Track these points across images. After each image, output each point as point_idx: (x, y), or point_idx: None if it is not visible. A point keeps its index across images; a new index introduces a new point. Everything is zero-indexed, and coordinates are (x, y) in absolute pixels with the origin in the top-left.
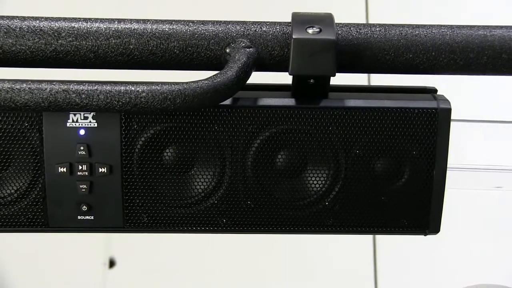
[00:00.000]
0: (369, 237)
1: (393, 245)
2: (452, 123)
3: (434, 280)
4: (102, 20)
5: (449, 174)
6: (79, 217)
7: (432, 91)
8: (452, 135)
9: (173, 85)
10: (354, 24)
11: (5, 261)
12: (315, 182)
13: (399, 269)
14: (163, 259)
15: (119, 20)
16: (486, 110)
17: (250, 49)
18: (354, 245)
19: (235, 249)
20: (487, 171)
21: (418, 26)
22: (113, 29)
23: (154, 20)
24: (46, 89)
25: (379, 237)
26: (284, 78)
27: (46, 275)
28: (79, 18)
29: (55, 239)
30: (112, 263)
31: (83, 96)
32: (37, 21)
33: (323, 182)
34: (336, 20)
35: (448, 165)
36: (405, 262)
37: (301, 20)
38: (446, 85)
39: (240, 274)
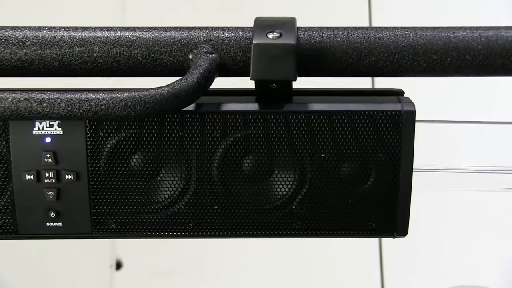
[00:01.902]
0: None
1: (399, 244)
2: (460, 125)
3: (442, 279)
4: (66, 29)
5: (457, 177)
6: (48, 224)
7: (398, 93)
8: (461, 137)
9: (133, 92)
10: (317, 27)
11: (10, 263)
12: (281, 186)
13: (405, 267)
14: (170, 260)
15: (83, 28)
16: (495, 111)
17: (213, 55)
18: (360, 244)
19: (241, 250)
20: (496, 173)
21: (381, 28)
22: (77, 37)
23: (117, 27)
24: (8, 98)
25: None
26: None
27: (53, 278)
28: (43, 27)
29: (61, 242)
30: (118, 265)
31: (45, 104)
32: (2, 31)
33: (289, 186)
34: (338, 23)
35: (456, 168)
36: (412, 260)
37: (262, 25)
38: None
39: (247, 275)
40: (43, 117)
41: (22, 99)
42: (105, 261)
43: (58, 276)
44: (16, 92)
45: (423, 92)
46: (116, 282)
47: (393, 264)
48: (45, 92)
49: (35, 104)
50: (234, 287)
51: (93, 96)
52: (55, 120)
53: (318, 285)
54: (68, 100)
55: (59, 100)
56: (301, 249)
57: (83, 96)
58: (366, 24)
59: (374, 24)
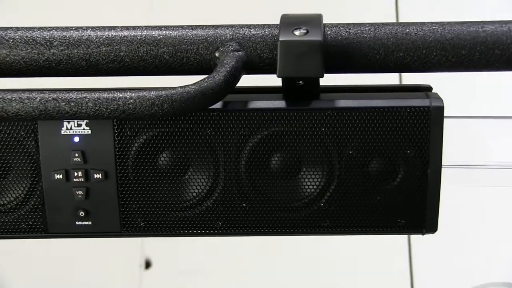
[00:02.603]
0: (403, 237)
1: (429, 243)
2: (490, 120)
3: (471, 276)
4: (93, 28)
5: (488, 173)
6: (77, 223)
7: (426, 89)
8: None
9: (160, 91)
10: (343, 24)
11: (41, 262)
12: (309, 183)
13: (435, 263)
14: (198, 259)
15: (110, 28)
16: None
17: (239, 52)
18: (389, 243)
19: (269, 248)
20: None
21: (408, 24)
22: (103, 36)
23: (144, 26)
24: (36, 98)
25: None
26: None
27: (83, 277)
28: (70, 27)
29: (91, 242)
30: (148, 264)
31: (72, 104)
32: (30, 31)
33: (317, 183)
34: (365, 20)
35: (487, 164)
36: (441, 256)
37: (288, 22)
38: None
39: (274, 273)
40: (71, 116)
41: (50, 99)
42: (134, 261)
43: (88, 276)
44: (44, 92)
45: (451, 87)
46: (145, 281)
47: (423, 260)
48: (73, 91)
49: (63, 103)
50: (263, 285)
51: (120, 95)
52: (83, 119)
53: (347, 283)
54: (96, 99)
55: (86, 99)
56: (329, 246)
57: (110, 95)
58: (393, 19)
59: (402, 19)
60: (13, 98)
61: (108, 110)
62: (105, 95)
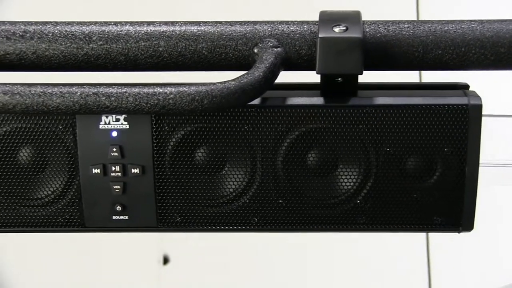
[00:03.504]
0: (422, 236)
1: (447, 242)
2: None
3: (490, 277)
4: (131, 23)
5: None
6: (114, 217)
7: (463, 87)
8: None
9: (200, 86)
10: (382, 21)
11: (62, 258)
12: (346, 180)
13: (453, 266)
14: (217, 255)
15: (148, 23)
16: None
17: (278, 48)
18: (407, 244)
19: (288, 245)
20: None
21: (447, 21)
22: (142, 31)
23: (182, 22)
24: (76, 92)
25: (432, 235)
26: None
27: (102, 273)
28: (109, 21)
29: (108, 237)
30: (166, 260)
31: (113, 98)
32: (69, 26)
33: (354, 180)
34: (385, 18)
35: (500, 162)
36: (460, 259)
37: (328, 18)
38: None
39: (291, 270)
40: (111, 111)
41: (91, 93)
42: (152, 257)
43: (106, 272)
44: (85, 86)
45: (487, 85)
46: (163, 277)
47: (441, 261)
48: (113, 86)
49: (104, 98)
50: (280, 281)
51: (161, 90)
52: (122, 114)
53: (366, 282)
54: (136, 94)
55: (127, 94)
56: (347, 244)
57: (150, 90)
58: (414, 16)
59: (422, 17)
60: (54, 92)
61: (148, 105)
62: (145, 90)
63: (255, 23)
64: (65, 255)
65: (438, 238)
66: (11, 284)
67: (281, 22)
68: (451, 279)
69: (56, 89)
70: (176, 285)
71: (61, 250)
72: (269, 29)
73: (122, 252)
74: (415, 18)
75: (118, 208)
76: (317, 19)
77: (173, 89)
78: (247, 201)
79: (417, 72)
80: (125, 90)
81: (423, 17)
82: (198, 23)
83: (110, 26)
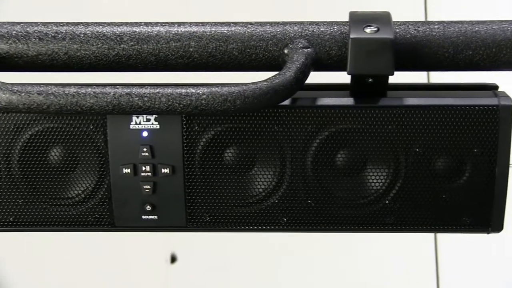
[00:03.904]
0: (430, 236)
1: (455, 243)
2: None
3: (499, 280)
4: (162, 24)
5: None
6: (143, 217)
7: (493, 87)
8: None
9: (233, 87)
10: (412, 22)
11: (70, 257)
12: (375, 180)
13: (461, 267)
14: (224, 254)
15: (179, 24)
16: None
17: (308, 49)
18: (415, 244)
19: (296, 244)
20: None
21: (477, 22)
22: (173, 32)
23: (212, 22)
24: (110, 93)
25: (440, 236)
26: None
27: (109, 271)
28: (140, 22)
29: (116, 236)
30: (173, 259)
31: (146, 99)
32: (100, 27)
33: (383, 181)
34: (394, 18)
35: None
36: (468, 260)
37: (358, 19)
38: None
39: (300, 269)
40: (143, 111)
41: (124, 93)
42: (160, 255)
43: (114, 271)
44: (117, 86)
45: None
46: (171, 276)
47: (449, 261)
48: (146, 86)
49: (137, 98)
50: (289, 281)
51: (193, 90)
52: (155, 114)
53: (373, 282)
54: (169, 94)
55: (159, 94)
56: (355, 244)
57: (183, 90)
58: (422, 17)
59: (430, 18)
60: (88, 93)
61: (181, 105)
62: (178, 90)
63: (285, 23)
64: (72, 254)
65: (447, 237)
66: (12, 284)
67: (311, 23)
68: (459, 279)
69: (89, 89)
70: (184, 284)
71: (69, 249)
72: (299, 30)
73: (129, 251)
74: (423, 18)
75: (148, 207)
76: (336, 19)
77: (206, 90)
78: (276, 201)
79: (425, 72)
80: (158, 90)
81: (430, 17)
82: (228, 24)
83: (141, 26)
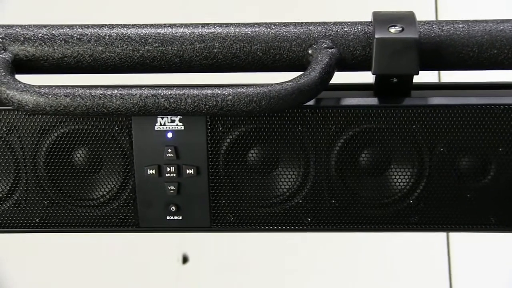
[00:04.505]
0: (442, 235)
1: (467, 241)
2: None
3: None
4: (186, 25)
5: None
6: (168, 218)
7: None
8: None
9: (258, 88)
10: (436, 21)
11: (81, 256)
12: (399, 180)
13: (474, 266)
14: (236, 254)
15: (203, 25)
16: None
17: (332, 49)
18: (428, 242)
19: (307, 244)
20: None
21: (502, 21)
22: (197, 33)
23: (236, 23)
24: (136, 94)
25: (452, 235)
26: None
27: (121, 271)
28: (164, 24)
29: (127, 236)
30: (185, 259)
31: (172, 100)
32: (125, 28)
33: (407, 180)
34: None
35: None
36: (480, 258)
37: (382, 19)
38: None
39: (312, 269)
40: (169, 112)
41: (150, 95)
42: (172, 256)
43: (125, 270)
44: (143, 88)
45: None
46: (182, 276)
47: (462, 261)
48: (172, 88)
49: (163, 100)
50: (301, 280)
51: (219, 91)
52: (180, 115)
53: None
54: (195, 96)
55: (185, 95)
56: (367, 244)
57: (209, 91)
58: (432, 17)
59: (440, 17)
60: (114, 94)
61: (207, 106)
62: (204, 91)
63: (308, 24)
64: (84, 254)
65: (459, 236)
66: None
67: (335, 23)
68: (472, 277)
69: (115, 91)
70: (195, 284)
71: (80, 248)
72: (323, 30)
73: (141, 251)
74: (433, 18)
75: (173, 208)
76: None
77: (231, 90)
78: (300, 201)
79: (435, 72)
80: (183, 91)
81: (441, 16)
82: (252, 25)
83: (166, 28)
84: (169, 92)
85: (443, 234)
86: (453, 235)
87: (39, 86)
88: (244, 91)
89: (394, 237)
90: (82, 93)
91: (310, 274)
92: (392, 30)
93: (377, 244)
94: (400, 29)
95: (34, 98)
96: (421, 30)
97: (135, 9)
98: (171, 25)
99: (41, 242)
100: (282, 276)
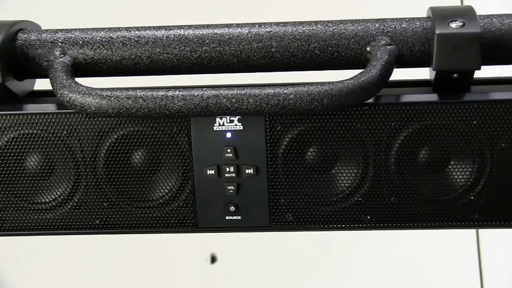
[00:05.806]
0: (472, 232)
1: (498, 239)
2: None
3: None
4: (242, 25)
5: None
6: (227, 218)
7: None
8: None
9: (319, 86)
10: (496, 15)
11: (110, 257)
12: (460, 176)
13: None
14: (264, 253)
15: (259, 24)
16: None
17: (391, 46)
18: (458, 240)
19: (334, 242)
20: None
21: None
22: (254, 33)
23: (293, 22)
24: (197, 95)
25: (482, 232)
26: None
27: (149, 272)
28: (220, 24)
29: (156, 236)
30: (213, 259)
31: (234, 100)
32: (182, 30)
33: (468, 176)
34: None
35: None
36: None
37: (442, 14)
38: None
39: (339, 267)
40: (231, 112)
41: (211, 95)
42: (200, 256)
43: (153, 271)
44: (205, 88)
45: None
46: (211, 276)
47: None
48: (233, 88)
49: (225, 100)
50: (329, 279)
51: (281, 90)
52: (242, 115)
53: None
54: (257, 95)
55: (247, 95)
56: (397, 243)
57: (270, 91)
58: None
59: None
60: (176, 96)
61: (269, 105)
62: (266, 91)
63: (366, 21)
64: (115, 254)
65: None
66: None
67: (392, 20)
68: (502, 275)
69: (177, 92)
70: (223, 284)
71: (111, 249)
72: (381, 27)
73: (170, 251)
74: None
75: (232, 208)
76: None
77: (293, 89)
78: (360, 199)
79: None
80: (245, 91)
81: None
82: (309, 23)
83: (222, 28)
84: (230, 92)
85: (473, 232)
86: (483, 232)
87: (101, 89)
88: (306, 89)
89: (424, 234)
90: (144, 95)
91: (339, 272)
92: (453, 25)
93: (406, 242)
94: (461, 24)
95: (97, 100)
96: (481, 24)
97: (137, 9)
98: (228, 25)
99: (31, 243)
100: (311, 275)
